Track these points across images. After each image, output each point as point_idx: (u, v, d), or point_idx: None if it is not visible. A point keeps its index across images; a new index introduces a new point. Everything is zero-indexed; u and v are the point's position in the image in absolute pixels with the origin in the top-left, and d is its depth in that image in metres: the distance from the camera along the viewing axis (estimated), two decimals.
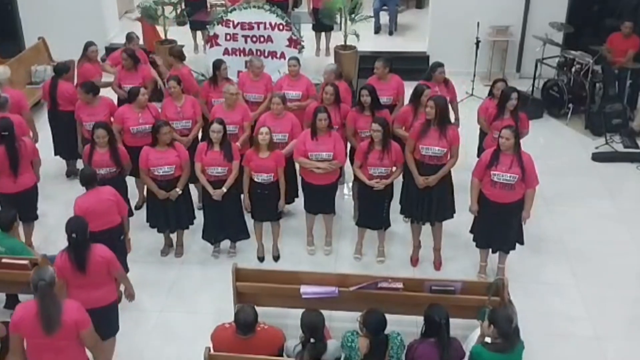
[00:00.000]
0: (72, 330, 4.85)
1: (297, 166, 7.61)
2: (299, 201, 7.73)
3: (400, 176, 7.20)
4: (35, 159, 7.27)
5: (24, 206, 7.05)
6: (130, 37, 9.34)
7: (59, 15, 11.89)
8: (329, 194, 7.32)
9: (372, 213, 7.13)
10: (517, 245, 6.93)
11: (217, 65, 8.29)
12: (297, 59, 8.39)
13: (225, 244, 7.54)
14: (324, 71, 8.20)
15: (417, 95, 7.38)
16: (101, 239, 5.86)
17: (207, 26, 10.47)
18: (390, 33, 13.24)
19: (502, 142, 6.44)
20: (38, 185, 7.34)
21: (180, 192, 7.06)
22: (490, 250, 7.05)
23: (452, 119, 8.05)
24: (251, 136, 7.52)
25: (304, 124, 7.66)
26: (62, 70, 8.70)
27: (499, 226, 6.75)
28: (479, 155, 7.76)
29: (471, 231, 7.04)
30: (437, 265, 7.36)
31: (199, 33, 12.01)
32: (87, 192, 6.36)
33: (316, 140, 7.01)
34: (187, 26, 12.28)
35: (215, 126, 6.89)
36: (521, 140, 6.60)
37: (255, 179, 7.02)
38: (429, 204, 7.02)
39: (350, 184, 8.16)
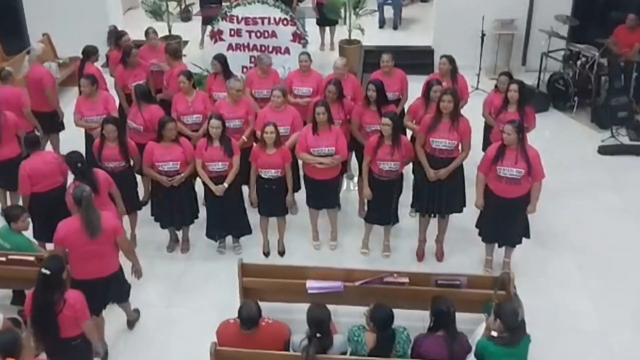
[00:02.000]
0: (111, 235, 5.73)
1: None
2: (303, 197, 7.73)
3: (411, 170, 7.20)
4: (19, 131, 7.62)
5: (4, 175, 7.59)
6: (147, 32, 9.41)
7: (64, 12, 11.88)
8: (332, 189, 7.32)
9: (381, 208, 7.12)
10: (524, 239, 6.93)
11: (225, 58, 8.33)
12: (308, 54, 8.34)
13: (230, 239, 7.55)
14: (337, 66, 8.07)
15: (428, 89, 7.39)
16: (47, 198, 6.56)
17: (212, 21, 10.47)
18: (395, 27, 13.20)
19: (504, 137, 6.43)
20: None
21: (183, 178, 7.03)
22: (497, 244, 7.05)
23: None
24: (255, 132, 7.52)
25: (307, 119, 7.65)
26: (89, 52, 8.82)
27: (505, 221, 6.73)
28: (483, 149, 7.76)
29: (477, 226, 7.03)
30: (440, 256, 7.37)
31: (208, 28, 12.01)
32: (32, 155, 6.89)
33: (317, 135, 7.00)
34: (191, 22, 12.30)
35: (214, 122, 6.88)
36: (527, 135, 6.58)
37: (263, 175, 7.02)
38: (440, 197, 7.02)
39: (356, 179, 8.15)
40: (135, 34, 10.24)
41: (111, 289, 5.94)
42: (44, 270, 5.06)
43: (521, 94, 7.40)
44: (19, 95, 8.18)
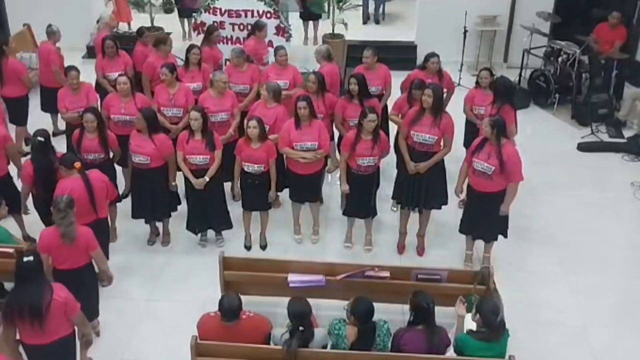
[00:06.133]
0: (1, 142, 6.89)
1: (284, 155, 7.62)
2: (285, 191, 7.72)
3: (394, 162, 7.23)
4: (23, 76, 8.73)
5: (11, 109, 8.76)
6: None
7: (45, 1, 11.77)
8: (315, 183, 7.32)
9: (359, 202, 7.13)
10: (501, 237, 6.94)
11: (188, 48, 8.38)
12: (286, 49, 8.35)
13: (212, 232, 7.53)
14: (315, 50, 8.20)
15: (411, 87, 7.50)
16: None
17: (194, 14, 10.41)
18: (377, 22, 13.21)
19: (483, 130, 6.52)
20: None
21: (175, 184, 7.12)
22: (473, 238, 7.08)
23: None
24: (241, 124, 7.50)
25: (289, 113, 7.66)
26: (141, 33, 9.30)
27: (480, 214, 6.77)
28: (464, 145, 7.83)
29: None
30: (420, 251, 7.40)
31: (186, 20, 11.95)
32: None
33: (300, 129, 6.99)
34: (174, 14, 12.22)
35: (193, 114, 6.83)
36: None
37: (246, 169, 7.00)
38: (419, 191, 7.05)
39: (338, 174, 8.16)
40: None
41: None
42: (39, 138, 6.46)
43: (495, 83, 7.59)
44: (49, 52, 9.02)
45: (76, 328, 5.21)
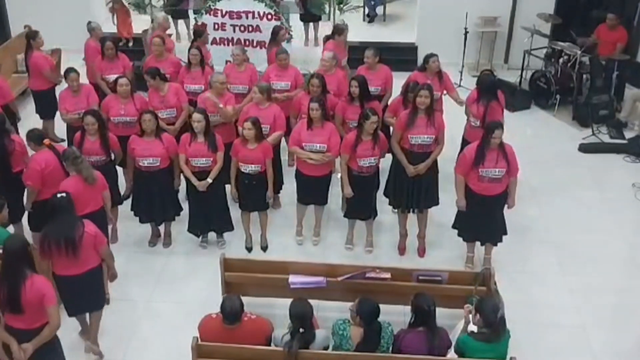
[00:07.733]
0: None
1: (282, 156, 7.62)
2: (287, 192, 7.72)
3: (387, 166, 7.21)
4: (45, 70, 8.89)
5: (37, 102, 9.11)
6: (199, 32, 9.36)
7: (46, 3, 11.79)
8: (322, 185, 7.30)
9: (360, 204, 7.13)
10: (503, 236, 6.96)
11: (188, 49, 8.39)
12: (286, 51, 8.36)
13: (213, 234, 7.53)
14: (325, 60, 8.13)
15: (407, 90, 7.47)
16: None
17: (195, 15, 10.41)
18: (371, 20, 13.20)
19: (493, 141, 6.39)
20: None
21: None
22: (481, 244, 7.08)
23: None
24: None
25: (290, 114, 7.66)
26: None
27: (486, 218, 6.77)
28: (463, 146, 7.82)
29: (454, 226, 7.05)
30: (421, 252, 7.41)
31: (180, 22, 11.94)
32: None
33: (311, 130, 6.99)
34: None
35: (196, 116, 6.84)
36: (508, 131, 6.62)
37: (243, 170, 7.00)
38: (418, 192, 7.06)
39: (339, 175, 8.16)
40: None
41: None
42: None
43: (479, 80, 7.67)
44: (88, 49, 9.25)
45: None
